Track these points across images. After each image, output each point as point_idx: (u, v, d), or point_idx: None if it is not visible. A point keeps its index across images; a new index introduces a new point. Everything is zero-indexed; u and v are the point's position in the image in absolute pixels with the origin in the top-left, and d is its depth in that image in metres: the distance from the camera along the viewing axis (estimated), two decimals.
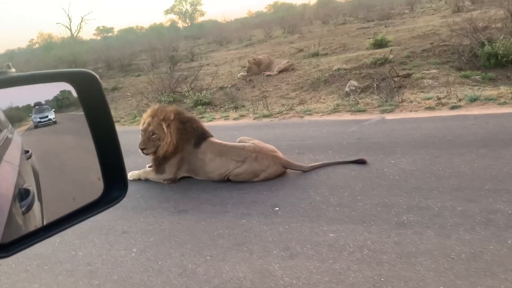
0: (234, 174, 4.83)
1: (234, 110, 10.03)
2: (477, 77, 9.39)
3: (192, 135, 5.09)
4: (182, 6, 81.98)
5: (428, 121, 6.40)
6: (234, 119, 8.91)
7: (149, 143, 4.98)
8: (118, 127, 8.21)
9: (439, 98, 7.62)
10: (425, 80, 9.44)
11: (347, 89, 9.97)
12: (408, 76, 10.07)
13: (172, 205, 4.47)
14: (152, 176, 5.37)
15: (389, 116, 7.14)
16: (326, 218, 3.65)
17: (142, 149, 5.00)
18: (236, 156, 4.86)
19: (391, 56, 12.34)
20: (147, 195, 4.91)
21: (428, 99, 7.76)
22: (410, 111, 7.28)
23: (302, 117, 8.11)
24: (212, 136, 5.20)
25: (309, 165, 4.97)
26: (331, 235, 3.34)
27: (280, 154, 4.96)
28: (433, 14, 28.05)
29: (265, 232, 3.55)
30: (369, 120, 7.00)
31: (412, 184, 4.11)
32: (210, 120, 9.10)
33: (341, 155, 5.31)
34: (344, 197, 4.03)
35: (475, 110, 6.68)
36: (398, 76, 10.06)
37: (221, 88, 13.63)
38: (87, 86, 1.18)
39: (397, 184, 4.18)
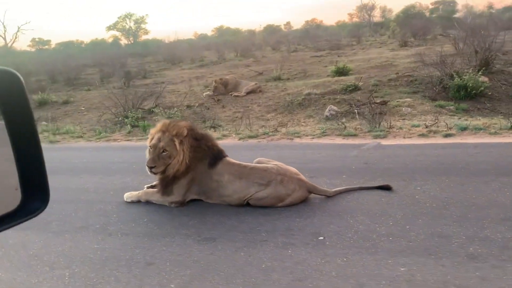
0: (256, 198, 4.40)
1: (213, 130, 9.56)
2: (451, 107, 9.71)
3: (207, 153, 4.61)
4: (126, 23, 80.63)
5: (429, 148, 6.38)
6: (217, 138, 8.43)
7: (159, 161, 4.43)
8: (84, 143, 7.45)
9: (427, 126, 7.71)
10: (403, 108, 9.60)
11: (327, 113, 9.90)
12: (384, 103, 10.22)
13: (194, 232, 3.94)
14: (157, 198, 4.79)
15: (384, 142, 7.06)
16: (385, 249, 3.33)
17: (151, 168, 4.43)
18: (259, 178, 4.44)
19: (360, 84, 12.55)
20: (157, 220, 4.33)
21: (416, 126, 7.83)
22: (404, 137, 7.27)
23: (291, 139, 7.85)
24: (227, 155, 4.75)
25: (333, 190, 4.66)
26: (402, 269, 3.02)
27: (303, 177, 4.62)
28: (380, 47, 29.50)
29: (323, 266, 3.15)
30: (366, 145, 6.88)
31: (456, 213, 3.92)
32: None
33: (358, 180, 5.08)
34: (391, 226, 3.75)
35: (469, 139, 6.78)
36: (375, 103, 10.17)
37: (189, 106, 13.11)
38: (8, 86, 1.10)
39: (439, 212, 3.97)
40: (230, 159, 4.69)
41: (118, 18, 79.52)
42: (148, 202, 4.83)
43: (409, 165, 5.57)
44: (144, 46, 53.39)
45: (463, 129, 7.23)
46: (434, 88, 10.79)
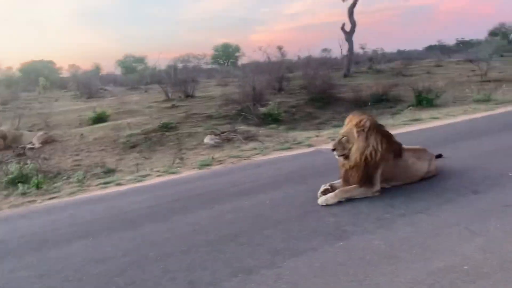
0: (429, 171, 5.67)
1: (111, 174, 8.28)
2: (279, 128, 12.44)
3: (395, 146, 5.39)
4: None
5: None
6: (170, 172, 7.75)
7: (338, 145, 5.11)
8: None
9: (317, 136, 10.16)
10: (260, 131, 11.52)
11: (210, 141, 10.46)
12: (235, 131, 11.73)
13: None
14: (360, 191, 5.13)
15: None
16: None
17: (332, 150, 5.15)
18: (427, 156, 5.76)
19: (177, 122, 13.35)
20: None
21: (309, 138, 10.12)
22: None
23: (248, 158, 8.39)
24: None
25: None
26: None
27: None
28: (57, 100, 28.09)
29: None
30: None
31: None
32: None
33: None
34: None
35: None
36: (235, 131, 11.51)
37: None
38: None
39: None
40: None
41: None
42: (347, 200, 5.03)
43: None
44: None
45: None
46: (253, 118, 13.17)
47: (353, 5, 27.05)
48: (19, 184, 7.20)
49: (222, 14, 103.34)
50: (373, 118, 5.39)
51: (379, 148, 5.08)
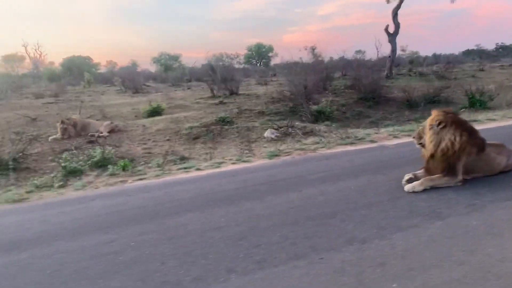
0: (508, 166, 5.93)
1: (208, 158, 8.81)
2: (333, 125, 12.76)
3: (479, 141, 5.67)
4: None
5: None
6: (234, 162, 8.20)
7: (417, 135, 5.80)
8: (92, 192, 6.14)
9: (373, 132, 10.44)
10: (316, 127, 11.88)
11: (271, 135, 10.90)
12: (292, 126, 12.13)
13: None
14: (445, 181, 5.44)
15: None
16: None
17: (412, 137, 5.88)
18: (506, 152, 6.01)
19: (232, 117, 13.85)
20: None
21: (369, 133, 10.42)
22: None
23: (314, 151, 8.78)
24: None
25: None
26: None
27: None
28: (103, 94, 29.37)
29: None
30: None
31: None
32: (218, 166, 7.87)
33: None
34: None
35: None
36: (292, 126, 11.91)
37: (66, 150, 10.50)
38: None
39: None
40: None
41: None
42: (431, 188, 5.35)
43: None
44: None
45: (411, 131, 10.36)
46: (307, 115, 13.56)
47: (398, 6, 27.02)
48: (108, 166, 7.82)
49: (255, 14, 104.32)
50: (452, 115, 5.68)
51: (457, 141, 5.38)
